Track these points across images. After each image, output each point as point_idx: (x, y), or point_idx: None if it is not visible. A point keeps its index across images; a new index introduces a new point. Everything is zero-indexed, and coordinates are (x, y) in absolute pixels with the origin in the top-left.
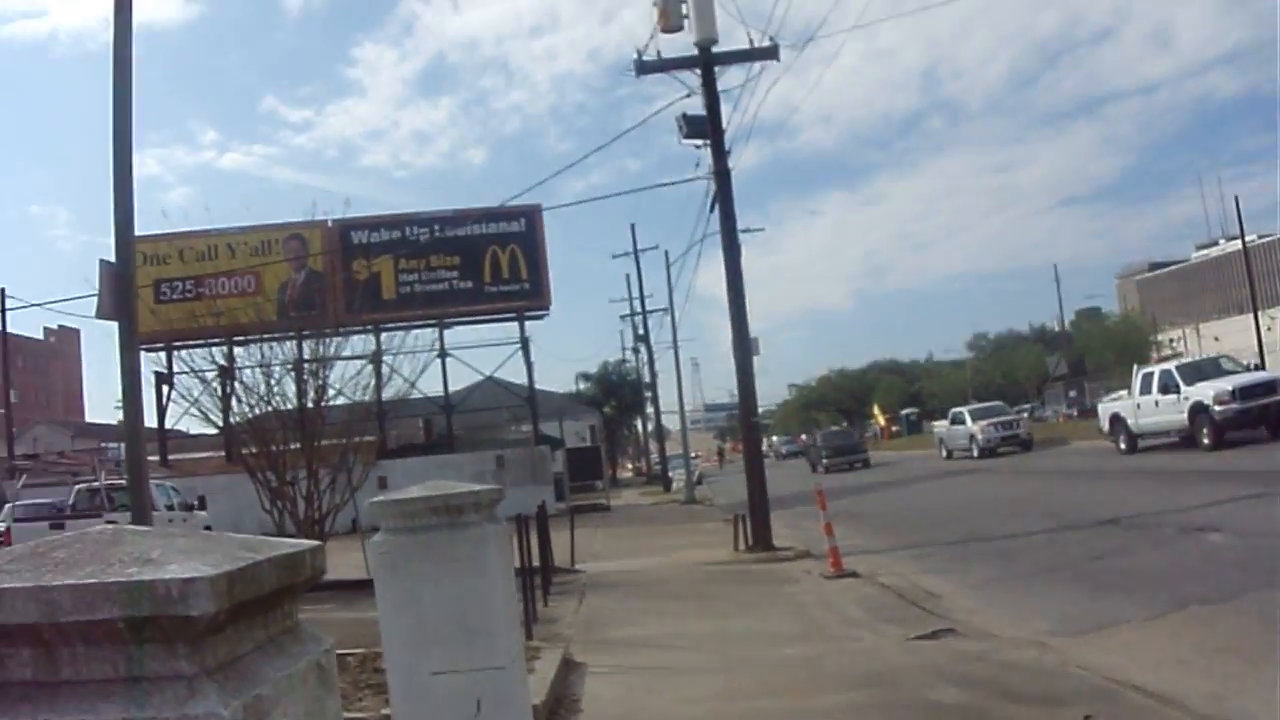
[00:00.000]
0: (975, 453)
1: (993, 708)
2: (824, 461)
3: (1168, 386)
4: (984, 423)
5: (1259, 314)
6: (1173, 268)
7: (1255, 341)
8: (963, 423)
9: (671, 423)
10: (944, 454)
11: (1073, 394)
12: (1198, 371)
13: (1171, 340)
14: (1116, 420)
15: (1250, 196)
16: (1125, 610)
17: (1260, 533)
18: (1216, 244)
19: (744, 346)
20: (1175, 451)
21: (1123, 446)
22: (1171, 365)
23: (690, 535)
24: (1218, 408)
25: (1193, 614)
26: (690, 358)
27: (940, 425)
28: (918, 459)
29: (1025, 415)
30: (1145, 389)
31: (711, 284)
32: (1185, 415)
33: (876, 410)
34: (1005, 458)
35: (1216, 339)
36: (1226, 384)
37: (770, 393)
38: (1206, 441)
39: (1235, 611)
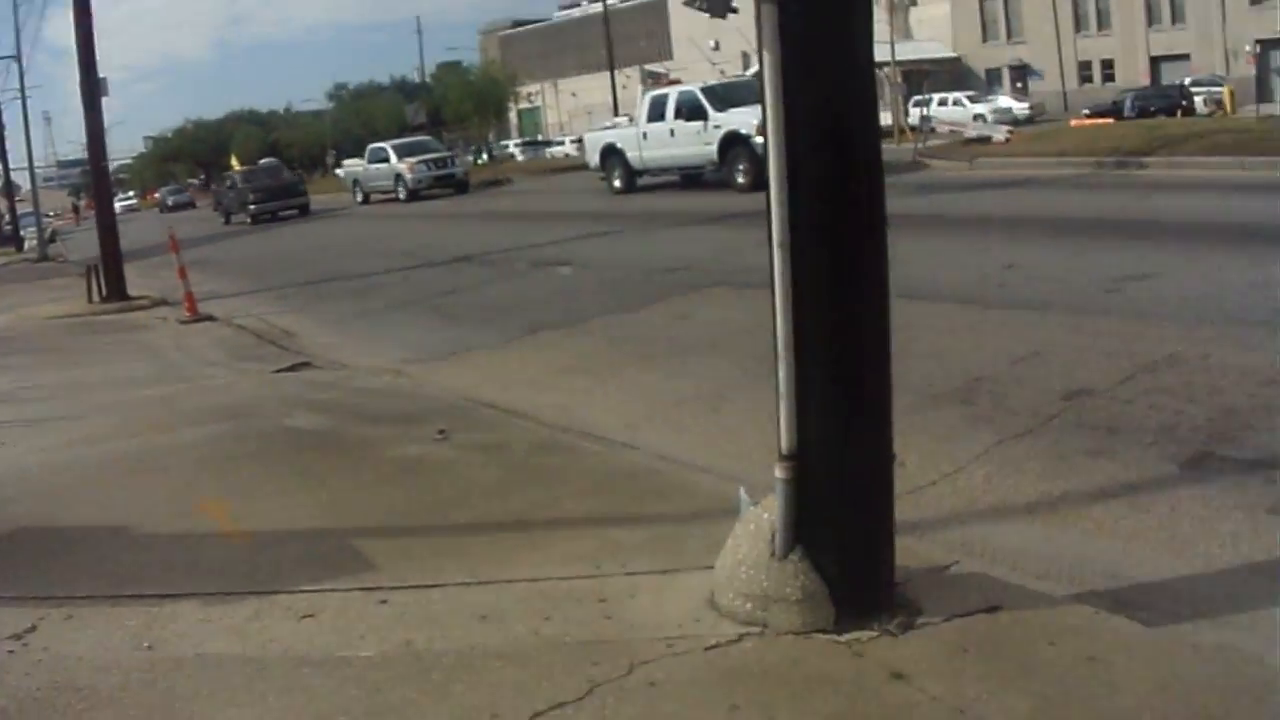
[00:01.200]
0: (402, 195)
1: (348, 429)
2: (251, 208)
3: (692, 113)
4: (412, 160)
5: (615, 73)
6: (536, 25)
7: (610, 98)
8: (385, 160)
9: (22, 180)
10: (358, 198)
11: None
12: (728, 96)
13: (530, 94)
14: (612, 153)
15: None
16: (478, 338)
17: (606, 264)
18: (579, 5)
19: (91, 85)
20: (684, 192)
21: (618, 185)
22: (696, 87)
23: (42, 292)
24: (759, 139)
25: (543, 339)
26: (42, 111)
27: (353, 164)
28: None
29: (461, 153)
30: (656, 115)
31: (65, 33)
32: (715, 148)
33: (234, 161)
34: (440, 200)
35: (574, 95)
36: None
37: (128, 148)
38: (741, 181)
39: (582, 334)
